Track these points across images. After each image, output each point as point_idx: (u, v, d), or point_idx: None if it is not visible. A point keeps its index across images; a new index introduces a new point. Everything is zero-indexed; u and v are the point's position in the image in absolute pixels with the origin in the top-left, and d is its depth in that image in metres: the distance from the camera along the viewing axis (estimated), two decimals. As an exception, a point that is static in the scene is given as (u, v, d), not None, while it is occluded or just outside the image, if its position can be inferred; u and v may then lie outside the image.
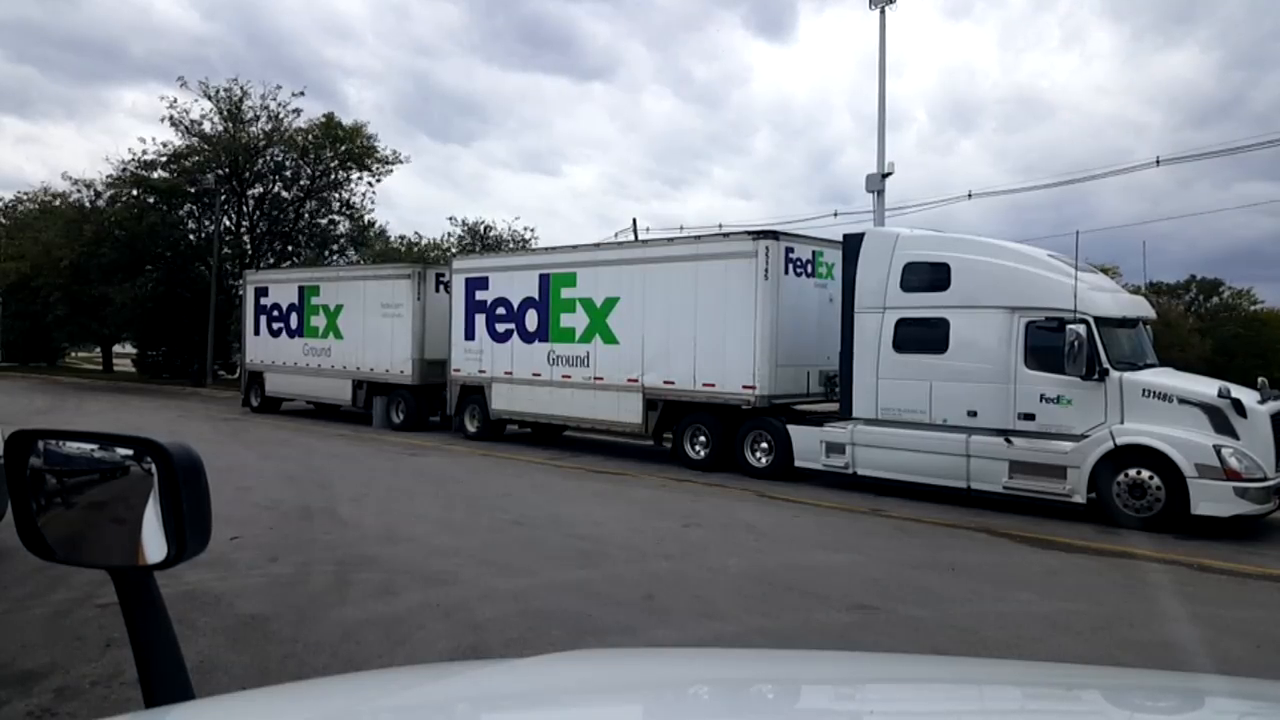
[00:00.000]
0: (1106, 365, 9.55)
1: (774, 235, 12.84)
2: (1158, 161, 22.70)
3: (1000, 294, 10.20)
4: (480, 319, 16.66)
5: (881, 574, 7.23)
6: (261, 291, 22.62)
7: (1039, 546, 8.53)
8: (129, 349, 44.77)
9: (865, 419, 11.27)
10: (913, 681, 1.63)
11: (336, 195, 38.19)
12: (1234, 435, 8.94)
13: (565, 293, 15.21)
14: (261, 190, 37.12)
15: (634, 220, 44.98)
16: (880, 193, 21.80)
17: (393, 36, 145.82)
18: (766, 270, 12.39)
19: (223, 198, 34.60)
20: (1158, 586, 7.11)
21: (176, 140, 34.38)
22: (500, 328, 16.31)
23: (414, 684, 1.57)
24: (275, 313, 21.97)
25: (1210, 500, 8.80)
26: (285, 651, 4.91)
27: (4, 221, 44.34)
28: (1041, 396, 9.87)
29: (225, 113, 34.54)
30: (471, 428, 17.02)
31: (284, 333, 21.64)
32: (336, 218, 39.19)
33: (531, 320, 15.73)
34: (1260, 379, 9.97)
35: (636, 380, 14.04)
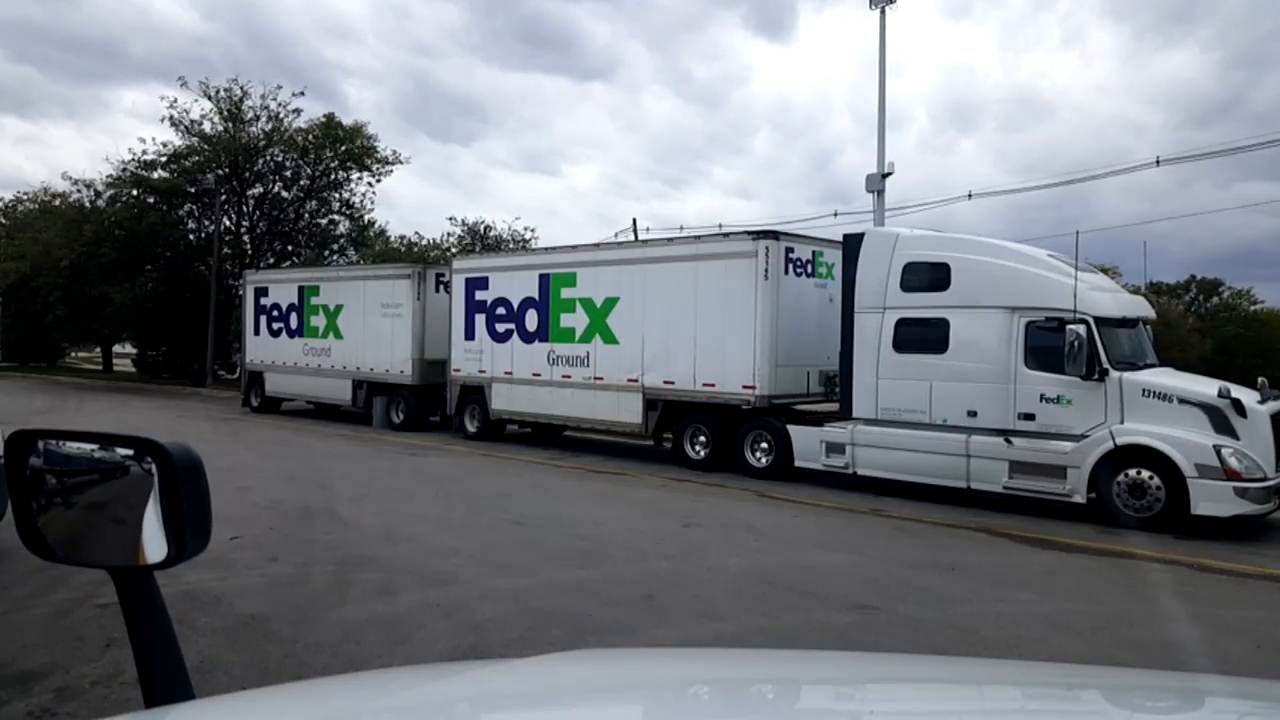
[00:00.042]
0: (1106, 365, 9.55)
1: (774, 235, 12.84)
2: (1158, 161, 22.72)
3: (1000, 294, 10.20)
4: (480, 319, 16.66)
5: (881, 574, 7.23)
6: (261, 291, 22.61)
7: (1039, 546, 8.53)
8: (129, 349, 44.78)
9: (865, 419, 11.27)
10: (913, 681, 1.63)
11: (336, 195, 38.24)
12: (1234, 435, 8.94)
13: (565, 293, 15.21)
14: (261, 190, 37.15)
15: (634, 220, 45.00)
16: (880, 193, 21.79)
17: (393, 36, 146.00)
18: (766, 270, 12.39)
19: (223, 198, 34.60)
20: (1158, 586, 7.11)
21: (176, 140, 34.47)
22: (500, 328, 16.31)
23: (414, 684, 1.57)
24: (275, 313, 21.96)
25: (1210, 500, 8.80)
26: (285, 651, 4.91)
27: (4, 221, 44.34)
28: (1041, 396, 9.87)
29: (225, 113, 34.58)
30: (471, 428, 17.02)
31: (284, 333, 21.64)
32: (336, 218, 39.25)
33: (531, 320, 15.73)
34: (1260, 379, 9.97)
35: (636, 380, 14.04)
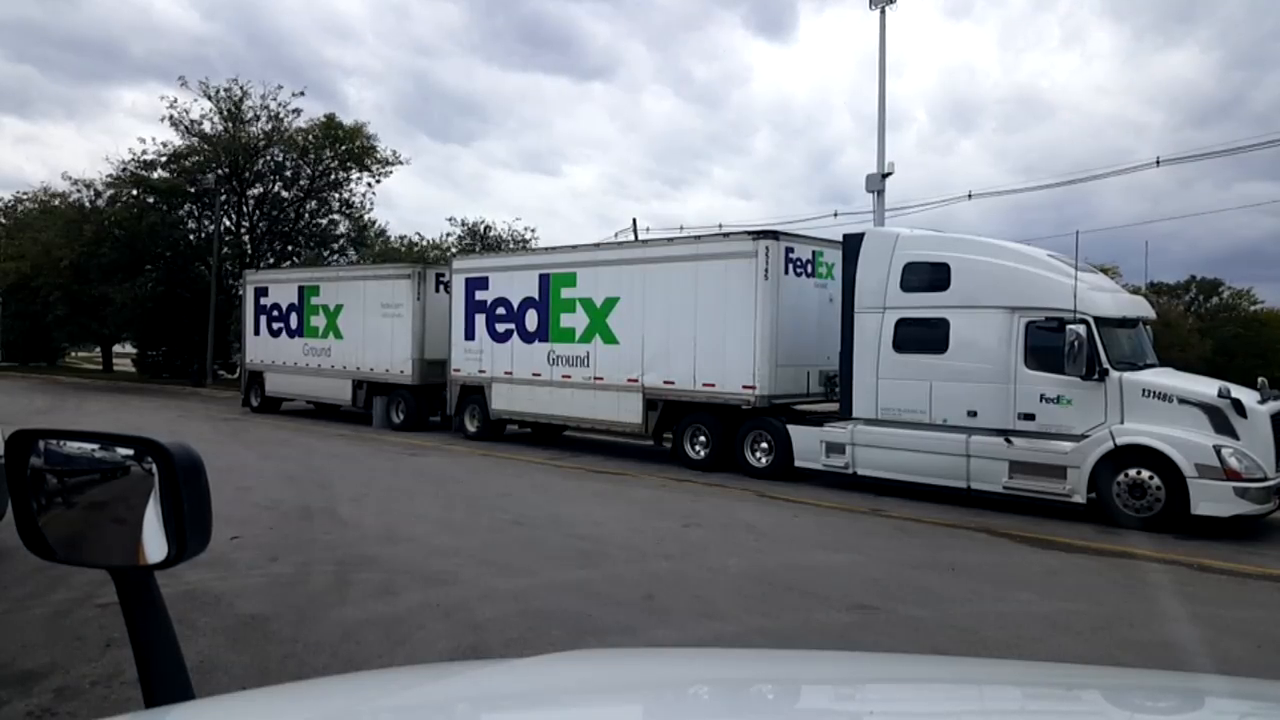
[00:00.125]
0: (1106, 365, 9.55)
1: (774, 235, 12.84)
2: (1158, 162, 22.71)
3: (1000, 294, 10.20)
4: (480, 319, 16.66)
5: (881, 574, 7.23)
6: (261, 291, 22.61)
7: (1039, 546, 8.53)
8: (129, 349, 44.78)
9: (865, 419, 11.26)
10: (913, 681, 1.63)
11: (336, 195, 38.25)
12: (1234, 435, 8.94)
13: (565, 293, 15.21)
14: (261, 190, 37.16)
15: (634, 220, 44.98)
16: (880, 193, 21.79)
17: (393, 36, 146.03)
18: (766, 270, 12.39)
19: (223, 198, 34.61)
20: (1158, 586, 7.11)
21: (176, 140, 34.49)
22: (500, 328, 16.31)
23: (414, 684, 1.57)
24: (275, 313, 21.96)
25: (1210, 500, 8.80)
26: (285, 651, 4.91)
27: (4, 221, 44.34)
28: (1041, 396, 9.87)
29: (225, 113, 34.59)
30: (471, 428, 17.02)
31: (284, 333, 21.64)
32: (336, 218, 39.26)
33: (531, 320, 15.73)
34: (1260, 379, 9.96)
35: (636, 380, 14.04)
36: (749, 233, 13.16)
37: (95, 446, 1.40)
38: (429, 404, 18.42)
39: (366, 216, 40.52)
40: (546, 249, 18.10)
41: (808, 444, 11.95)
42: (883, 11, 22.20)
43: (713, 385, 13.03)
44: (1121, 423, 9.41)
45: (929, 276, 10.71)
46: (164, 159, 34.20)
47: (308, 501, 9.77)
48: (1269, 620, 6.46)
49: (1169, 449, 9.03)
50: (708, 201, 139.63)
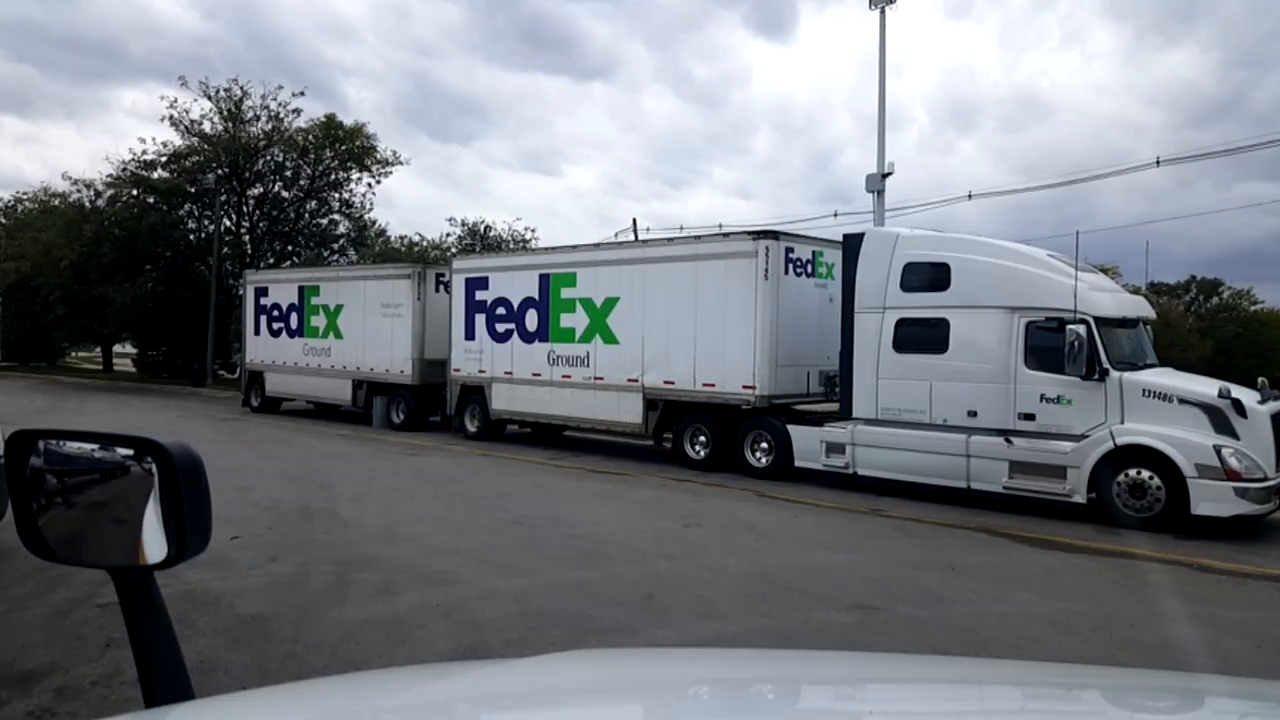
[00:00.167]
0: (1106, 365, 9.55)
1: (774, 235, 12.84)
2: (1158, 162, 22.71)
3: (1000, 294, 10.20)
4: (480, 319, 16.66)
5: (881, 574, 7.23)
6: (261, 291, 22.62)
7: (1039, 546, 8.53)
8: (129, 349, 44.77)
9: (865, 419, 11.26)
10: (913, 681, 1.63)
11: (336, 195, 38.25)
12: (1234, 435, 8.94)
13: (565, 293, 15.21)
14: (261, 190, 37.16)
15: (634, 220, 44.98)
16: (880, 193, 21.79)
17: (393, 36, 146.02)
18: (766, 270, 12.39)
19: (223, 198, 34.61)
20: (1158, 586, 7.12)
21: (177, 140, 34.49)
22: (500, 328, 16.31)
23: (414, 684, 1.57)
24: (275, 313, 21.97)
25: (1210, 500, 8.80)
26: (285, 651, 4.91)
27: (4, 221, 44.35)
28: (1041, 396, 9.86)
29: (225, 113, 34.59)
30: (471, 428, 17.02)
31: (284, 333, 21.64)
32: (336, 218, 39.26)
33: (531, 320, 15.73)
34: (1260, 379, 9.97)
35: (636, 380, 14.04)
36: (749, 233, 13.16)
37: (95, 447, 1.40)
38: (429, 404, 18.42)
39: (366, 216, 40.57)
40: (546, 249, 18.10)
41: (808, 444, 11.95)
42: (882, 11, 22.21)
43: (713, 385, 13.04)
44: (1122, 423, 9.41)
45: (929, 276, 10.71)
46: (164, 159, 34.23)
47: (308, 501, 9.77)
48: (1269, 620, 6.46)
49: (1169, 449, 9.02)
50: (708, 201, 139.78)
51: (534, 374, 15.61)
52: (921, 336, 10.70)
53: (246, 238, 37.16)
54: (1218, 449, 8.84)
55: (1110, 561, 8.02)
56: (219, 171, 34.32)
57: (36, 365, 47.01)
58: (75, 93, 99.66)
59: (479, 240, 40.00)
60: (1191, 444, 8.97)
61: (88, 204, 35.57)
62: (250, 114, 34.80)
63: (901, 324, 10.86)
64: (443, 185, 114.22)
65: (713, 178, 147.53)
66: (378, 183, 38.12)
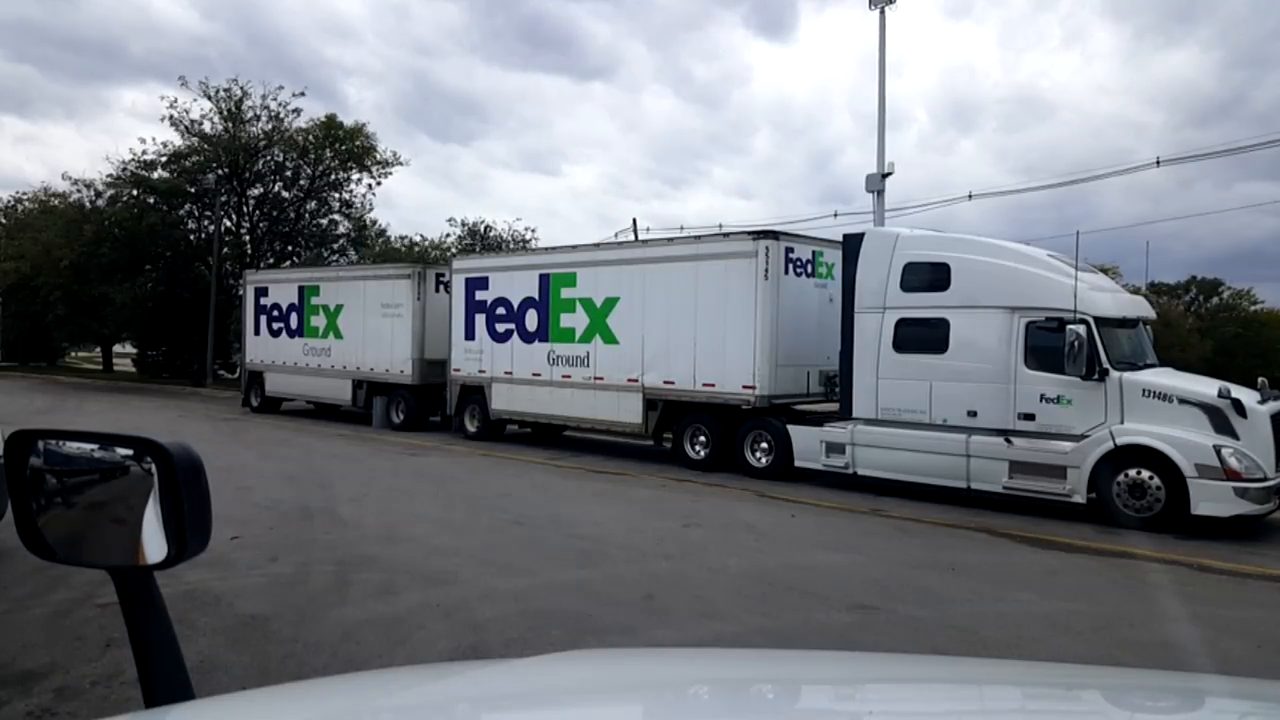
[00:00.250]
0: (1106, 365, 9.55)
1: (774, 235, 12.84)
2: (1158, 162, 22.72)
3: (1000, 294, 10.20)
4: (480, 319, 16.66)
5: (881, 574, 7.23)
6: (261, 291, 22.62)
7: (1039, 546, 8.53)
8: (129, 349, 44.77)
9: (865, 419, 11.26)
10: (913, 681, 1.63)
11: (336, 195, 38.25)
12: (1234, 435, 8.94)
13: (565, 293, 15.21)
14: (261, 190, 37.16)
15: (634, 220, 45.00)
16: (880, 193, 21.79)
17: (393, 36, 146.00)
18: (766, 270, 12.39)
19: (223, 198, 34.61)
20: (1158, 586, 7.12)
21: (177, 140, 34.48)
22: (500, 328, 16.31)
23: (414, 684, 1.57)
24: (275, 313, 21.97)
25: (1210, 500, 8.80)
26: (285, 651, 4.91)
27: (4, 221, 44.35)
28: (1041, 396, 9.87)
29: (225, 113, 34.58)
30: (471, 428, 17.02)
31: (284, 333, 21.64)
32: (336, 218, 39.25)
33: (531, 320, 15.73)
34: (1260, 379, 9.97)
35: (636, 380, 14.04)
36: (749, 233, 13.16)
37: (95, 447, 1.41)
38: (429, 404, 18.42)
39: (367, 217, 40.56)
40: (546, 249, 18.10)
41: (808, 444, 11.95)
42: (882, 11, 22.22)
43: (713, 385, 13.04)
44: (1121, 423, 9.41)
45: (929, 276, 10.71)
46: (164, 159, 34.23)
47: (308, 501, 9.77)
48: (1269, 620, 6.46)
49: (1169, 449, 9.03)
50: (708, 201, 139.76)
51: (534, 374, 15.61)
52: (921, 336, 10.70)
53: (246, 238, 37.15)
54: (1218, 449, 8.84)
55: (1110, 561, 8.02)
56: (219, 171, 34.32)
57: (36, 365, 47.00)
58: (75, 93, 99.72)
59: (479, 240, 40.01)
60: (1191, 444, 8.97)
61: (88, 204, 35.56)
62: (250, 114, 34.85)
63: (901, 324, 10.86)
64: (443, 185, 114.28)
65: (713, 178, 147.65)
66: (378, 184, 38.18)
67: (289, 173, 36.68)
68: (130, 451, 1.33)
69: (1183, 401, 9.25)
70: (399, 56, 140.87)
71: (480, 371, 16.62)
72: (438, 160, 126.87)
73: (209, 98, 34.25)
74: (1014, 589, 6.92)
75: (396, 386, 18.83)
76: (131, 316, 34.47)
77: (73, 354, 57.21)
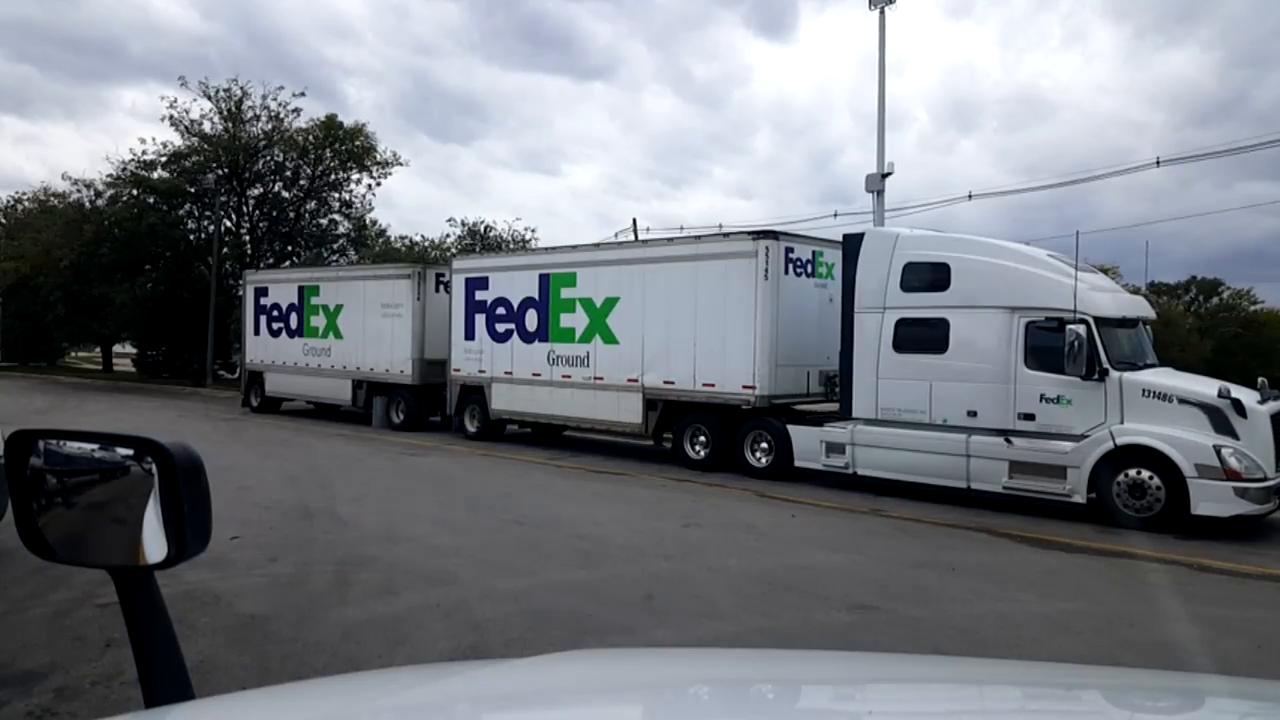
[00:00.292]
0: (1106, 365, 9.55)
1: (774, 235, 12.84)
2: (1158, 162, 22.74)
3: (1000, 294, 10.20)
4: (480, 319, 16.67)
5: (881, 574, 7.23)
6: (261, 291, 22.62)
7: (1039, 546, 8.53)
8: (129, 349, 44.78)
9: (865, 419, 11.27)
10: (913, 681, 1.63)
11: (336, 195, 38.25)
12: (1234, 435, 8.94)
13: (565, 293, 15.21)
14: (261, 190, 37.16)
15: (634, 220, 45.02)
16: (880, 193, 21.80)
17: (393, 35, 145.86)
18: (766, 270, 12.40)
19: (223, 198, 34.61)
20: (1158, 586, 7.11)
21: (176, 140, 34.49)
22: (500, 328, 16.31)
23: (414, 684, 1.57)
24: (275, 313, 21.97)
25: (1210, 500, 8.80)
26: (285, 651, 4.91)
27: (4, 221, 44.36)
28: (1041, 396, 9.87)
29: (225, 113, 34.59)
30: (471, 428, 17.02)
31: (284, 333, 21.65)
32: (336, 218, 39.26)
33: (531, 320, 15.73)
34: (1260, 379, 9.97)
35: (636, 380, 14.05)
36: (749, 233, 13.16)
37: (95, 447, 1.41)
38: (429, 404, 18.42)
39: (367, 217, 40.57)
40: (546, 249, 18.10)
41: (808, 444, 11.95)
42: (882, 12, 22.22)
43: (713, 385, 13.04)
44: (1121, 423, 9.41)
45: (929, 276, 10.71)
46: (164, 159, 34.25)
47: (308, 501, 9.78)
48: (1269, 620, 6.46)
49: (1169, 449, 9.03)
50: (708, 201, 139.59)
51: (534, 374, 15.62)
52: (921, 336, 10.70)
53: (246, 238, 37.15)
54: (1218, 449, 8.84)
55: (1110, 561, 8.02)
56: (219, 171, 34.33)
57: (36, 365, 47.00)
58: (75, 92, 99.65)
59: (479, 240, 40.02)
60: (1191, 444, 8.97)
61: (88, 204, 35.57)
62: (250, 114, 34.86)
63: (901, 324, 10.86)
64: (443, 185, 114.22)
65: (713, 178, 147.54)
66: (378, 184, 38.19)
67: (289, 173, 36.70)
68: (130, 451, 1.33)
69: (1183, 401, 9.25)
70: (399, 56, 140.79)
71: (480, 371, 16.62)
72: (438, 160, 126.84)
73: (209, 98, 34.32)
74: (1014, 589, 6.92)
75: (396, 386, 18.83)
76: (131, 316, 34.49)
77: (73, 354, 57.21)
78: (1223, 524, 8.91)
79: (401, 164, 37.98)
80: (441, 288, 18.28)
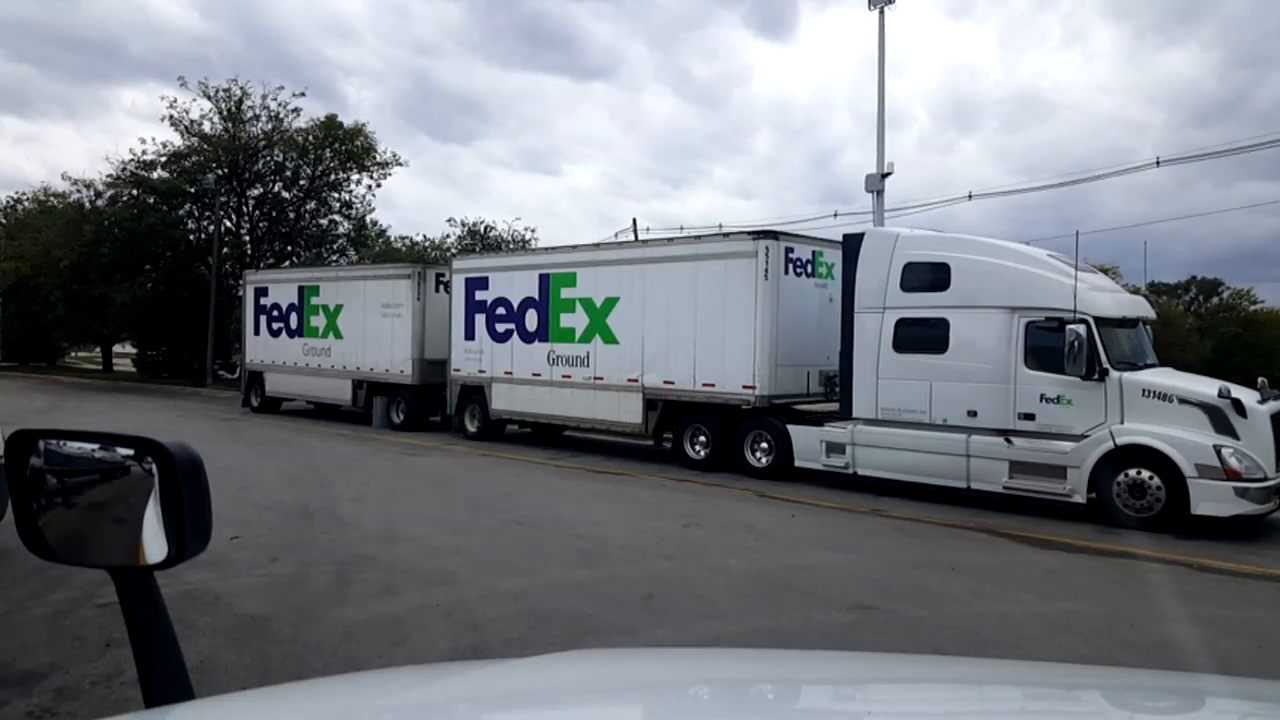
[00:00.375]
0: (1106, 365, 9.55)
1: (774, 235, 12.84)
2: (1158, 162, 22.75)
3: (1000, 294, 10.20)
4: (480, 319, 16.66)
5: (881, 574, 7.23)
6: (261, 291, 22.62)
7: (1039, 546, 8.53)
8: (129, 349, 44.78)
9: (865, 419, 11.26)
10: (913, 681, 1.63)
11: (336, 195, 38.24)
12: (1234, 435, 8.94)
13: (565, 293, 15.21)
14: (261, 190, 37.15)
15: (634, 220, 45.02)
16: (880, 193, 21.81)
17: (393, 35, 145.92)
18: (766, 270, 12.40)
19: (223, 198, 34.61)
20: (1158, 586, 7.11)
21: (176, 140, 34.49)
22: (500, 328, 16.31)
23: (414, 684, 1.57)
24: (275, 313, 21.97)
25: (1210, 500, 8.80)
26: (285, 651, 4.91)
27: (4, 221, 44.35)
28: (1041, 396, 9.87)
29: (225, 113, 34.58)
30: (471, 428, 17.02)
31: (284, 333, 21.65)
32: (336, 218, 39.25)
33: (531, 320, 15.73)
34: (1260, 379, 9.97)
35: (636, 380, 14.04)
36: (749, 233, 13.16)
37: (95, 446, 1.41)
38: (429, 404, 18.42)
39: (367, 217, 40.57)
40: (546, 249, 18.10)
41: (808, 444, 11.95)
42: (881, 12, 22.24)
43: (713, 385, 13.04)
44: (1121, 423, 9.41)
45: (929, 276, 10.71)
46: (164, 159, 34.25)
47: (308, 501, 9.77)
48: (1269, 620, 6.46)
49: (1169, 449, 9.02)
50: (708, 201, 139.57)
51: (534, 374, 15.62)
52: (921, 336, 10.70)
53: (246, 238, 37.14)
54: (1218, 449, 8.84)
55: (1110, 561, 8.02)
56: (219, 172, 34.32)
57: (36, 365, 47.00)
58: (75, 92, 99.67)
59: (479, 240, 40.02)
60: (1191, 444, 8.97)
61: (87, 204, 35.56)
62: (250, 114, 34.85)
63: (901, 324, 10.86)
64: (443, 185, 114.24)
65: (713, 177, 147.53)
66: (378, 185, 38.19)
67: (289, 173, 36.68)
68: (131, 451, 1.33)
69: (1183, 401, 9.25)
70: (399, 56, 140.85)
71: (480, 371, 16.62)
72: (438, 160, 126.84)
73: (209, 98, 34.32)
74: (1014, 589, 6.92)
75: (396, 386, 18.83)
76: (131, 316, 34.49)
77: (73, 354, 57.21)
78: (1223, 524, 8.91)
79: (401, 164, 38.05)
80: (441, 288, 18.28)
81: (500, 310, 16.32)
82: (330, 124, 35.43)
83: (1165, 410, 9.27)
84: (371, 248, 41.30)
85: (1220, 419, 9.03)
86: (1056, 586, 7.05)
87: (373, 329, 19.26)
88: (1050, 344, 9.76)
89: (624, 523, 9.24)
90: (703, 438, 13.42)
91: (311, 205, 38.14)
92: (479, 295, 16.72)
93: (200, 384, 32.18)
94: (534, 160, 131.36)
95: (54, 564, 1.42)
